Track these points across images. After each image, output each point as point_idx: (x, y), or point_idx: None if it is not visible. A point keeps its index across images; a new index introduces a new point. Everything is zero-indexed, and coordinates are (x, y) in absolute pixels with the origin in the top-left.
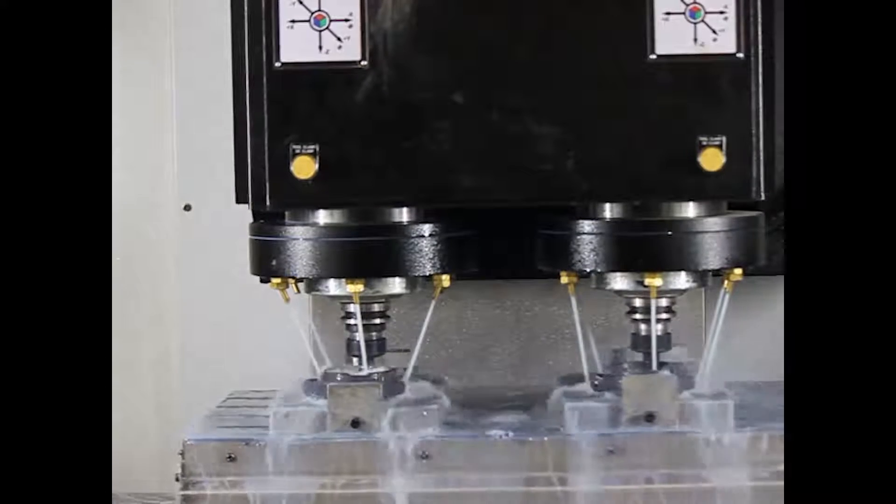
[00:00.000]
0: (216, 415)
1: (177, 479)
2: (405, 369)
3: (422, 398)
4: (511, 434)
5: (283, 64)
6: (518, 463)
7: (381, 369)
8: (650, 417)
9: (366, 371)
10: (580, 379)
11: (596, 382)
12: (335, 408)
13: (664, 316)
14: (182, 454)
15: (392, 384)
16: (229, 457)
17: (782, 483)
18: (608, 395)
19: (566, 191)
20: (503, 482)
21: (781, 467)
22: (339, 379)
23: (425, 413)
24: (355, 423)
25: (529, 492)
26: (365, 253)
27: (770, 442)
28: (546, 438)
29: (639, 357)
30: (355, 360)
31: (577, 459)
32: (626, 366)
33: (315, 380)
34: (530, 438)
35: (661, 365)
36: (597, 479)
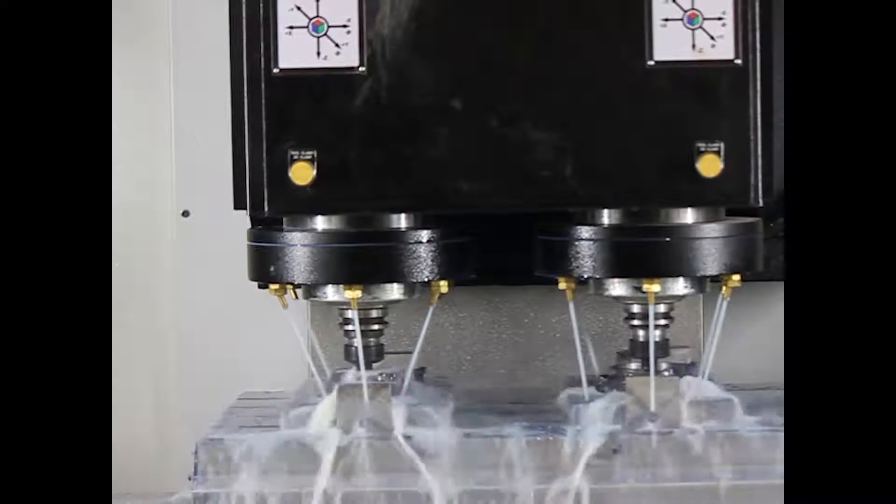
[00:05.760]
0: (229, 415)
1: (189, 479)
2: (416, 370)
3: (430, 399)
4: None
5: (281, 70)
6: (527, 463)
7: (391, 370)
8: (654, 417)
9: (375, 372)
10: (586, 381)
11: (600, 383)
12: (345, 408)
13: (662, 322)
14: (195, 454)
15: (401, 385)
16: (242, 456)
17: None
18: (612, 394)
19: (564, 196)
20: (510, 481)
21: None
22: (349, 379)
23: (435, 414)
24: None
25: (537, 490)
26: (363, 259)
27: (776, 440)
28: (551, 437)
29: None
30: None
31: (582, 459)
32: (632, 366)
33: (335, 377)
34: (538, 438)
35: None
36: (602, 479)
